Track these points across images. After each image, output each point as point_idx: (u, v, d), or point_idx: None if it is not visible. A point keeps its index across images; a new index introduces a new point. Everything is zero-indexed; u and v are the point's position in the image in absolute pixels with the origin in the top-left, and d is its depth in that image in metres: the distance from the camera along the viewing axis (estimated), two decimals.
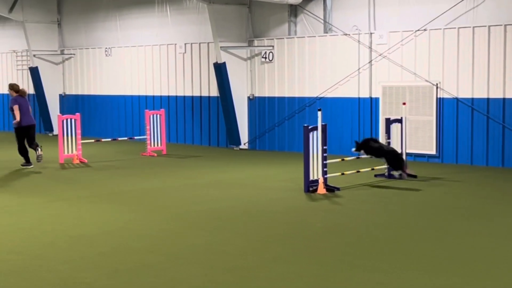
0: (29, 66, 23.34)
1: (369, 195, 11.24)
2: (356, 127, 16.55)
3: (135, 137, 18.71)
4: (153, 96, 20.81)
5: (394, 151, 12.52)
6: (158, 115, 17.54)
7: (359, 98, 16.50)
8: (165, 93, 20.51)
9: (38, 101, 23.31)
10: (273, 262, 7.20)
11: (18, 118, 14.64)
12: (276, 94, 18.01)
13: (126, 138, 18.76)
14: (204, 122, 19.57)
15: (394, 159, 12.44)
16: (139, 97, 21.16)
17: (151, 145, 17.21)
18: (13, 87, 14.98)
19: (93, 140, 17.60)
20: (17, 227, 9.01)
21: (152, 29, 20.74)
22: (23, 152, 14.97)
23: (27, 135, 14.89)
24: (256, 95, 18.44)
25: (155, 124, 17.40)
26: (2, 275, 6.79)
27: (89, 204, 10.68)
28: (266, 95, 18.23)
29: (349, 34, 16.46)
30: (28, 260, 7.38)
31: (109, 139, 16.53)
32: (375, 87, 16.25)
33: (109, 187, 12.41)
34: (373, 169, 12.99)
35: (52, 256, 7.52)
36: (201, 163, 15.62)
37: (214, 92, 19.14)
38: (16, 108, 14.61)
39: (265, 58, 18.07)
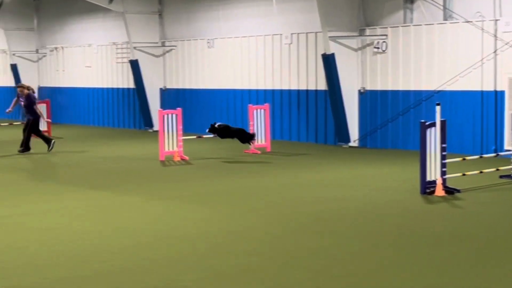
0: (129, 59, 24.01)
1: (493, 198, 10.89)
2: (479, 123, 16.09)
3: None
4: (257, 90, 20.96)
5: (242, 130, 16.79)
6: (262, 110, 17.65)
7: (482, 91, 16.03)
8: (269, 86, 20.62)
9: (138, 95, 23.95)
10: (386, 269, 7.09)
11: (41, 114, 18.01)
12: (390, 87, 17.75)
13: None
14: (310, 117, 19.54)
15: (244, 136, 16.53)
16: (242, 91, 21.37)
17: (254, 142, 17.33)
18: (23, 85, 18.24)
19: (194, 137, 17.88)
20: (116, 227, 9.27)
21: (256, 18, 20.88)
22: (28, 140, 17.76)
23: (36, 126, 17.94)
24: (368, 88, 18.24)
25: (259, 120, 17.51)
26: (102, 276, 7.01)
27: (189, 204, 10.86)
28: (379, 88, 18.00)
29: (471, 21, 16.00)
30: (128, 261, 7.58)
31: (211, 135, 16.78)
32: (500, 79, 15.73)
33: (210, 186, 12.58)
34: (498, 169, 12.59)
35: (152, 257, 7.69)
36: (307, 162, 15.59)
37: (322, 85, 19.07)
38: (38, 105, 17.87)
39: (378, 48, 17.84)
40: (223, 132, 16.39)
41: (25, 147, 17.65)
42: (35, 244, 8.32)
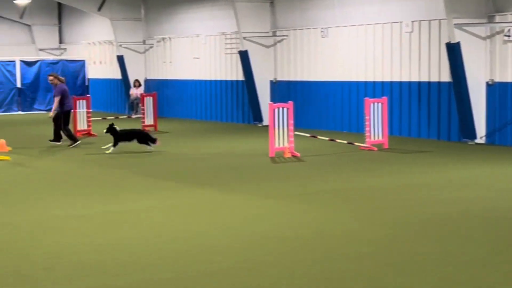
0: (238, 49, 24.24)
1: None
2: None
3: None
4: (374, 82, 20.72)
5: (141, 131, 17.96)
6: (380, 104, 17.43)
7: None
8: (387, 78, 20.35)
9: (247, 88, 24.14)
10: None
11: (55, 108, 18.60)
12: None
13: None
14: (432, 112, 19.15)
15: (144, 136, 17.35)
16: (357, 83, 21.19)
17: (370, 138, 17.15)
18: (55, 76, 18.96)
19: (308, 135, 17.83)
20: (222, 226, 9.36)
21: (374, 5, 20.64)
22: (70, 131, 18.76)
23: (67, 118, 18.70)
24: (497, 80, 17.70)
25: (376, 114, 17.30)
26: (206, 277, 7.08)
27: (301, 203, 10.85)
28: (509, 80, 17.45)
29: None
30: (235, 261, 7.63)
31: (326, 139, 16.70)
32: None
33: (323, 184, 12.53)
34: None
35: (260, 259, 7.71)
36: (428, 160, 15.30)
37: (446, 76, 18.65)
38: (58, 99, 18.50)
39: (509, 36, 17.28)
40: (122, 135, 17.24)
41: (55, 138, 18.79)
42: (140, 242, 8.50)
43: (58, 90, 18.66)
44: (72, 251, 8.10)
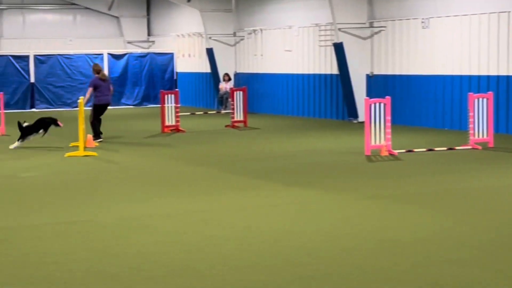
0: (333, 41, 24.13)
1: None
2: None
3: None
4: (479, 76, 20.29)
5: (42, 118, 18.33)
6: (485, 99, 17.05)
7: None
8: (493, 72, 19.90)
9: (342, 82, 24.01)
10: None
11: (86, 98, 19.01)
12: None
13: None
14: None
15: (45, 123, 18.06)
16: (461, 77, 20.79)
17: (474, 136, 16.80)
18: (94, 68, 19.85)
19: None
20: (318, 228, 9.32)
21: None
22: (96, 127, 19.19)
23: (101, 112, 19.29)
24: None
25: (480, 110, 16.94)
26: (302, 281, 7.07)
27: (398, 204, 10.72)
28: None
29: None
30: (330, 265, 7.59)
31: (424, 149, 16.40)
32: None
33: (421, 185, 12.35)
34: None
35: (356, 263, 7.65)
36: None
37: None
38: (90, 90, 19.29)
39: None
40: (31, 128, 17.87)
41: (95, 134, 19.15)
42: (231, 242, 8.55)
43: (90, 82, 19.85)
44: (161, 251, 8.21)
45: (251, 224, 9.57)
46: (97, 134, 19.15)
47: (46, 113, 22.78)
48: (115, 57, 32.70)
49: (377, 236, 8.78)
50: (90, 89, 19.36)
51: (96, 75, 19.50)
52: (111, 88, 19.93)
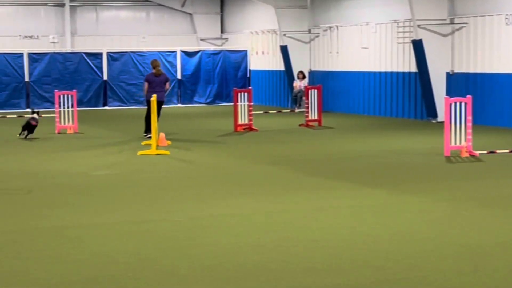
0: (411, 38, 23.87)
1: None
2: None
3: None
4: None
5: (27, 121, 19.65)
6: None
7: None
8: None
9: (421, 80, 23.74)
10: None
11: (144, 93, 19.90)
12: None
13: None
14: None
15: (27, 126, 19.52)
16: None
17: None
18: (151, 63, 20.37)
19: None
20: (395, 231, 9.23)
21: None
22: (148, 122, 19.16)
23: (155, 108, 18.23)
24: None
25: None
26: (377, 285, 7.00)
27: (479, 208, 10.54)
28: None
29: None
30: (405, 269, 7.51)
31: (507, 151, 16.10)
32: None
33: (503, 188, 12.14)
34: None
35: (438, 267, 7.55)
36: None
37: None
38: (146, 85, 19.72)
39: None
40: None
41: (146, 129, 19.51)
42: (304, 244, 8.53)
43: (145, 77, 20.56)
44: (233, 251, 8.24)
45: (326, 225, 9.53)
46: (147, 130, 19.40)
47: (119, 111, 23.07)
48: (188, 54, 32.99)
49: (457, 240, 8.65)
50: (145, 84, 19.81)
51: (153, 70, 19.99)
52: (167, 85, 20.19)
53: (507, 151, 16.02)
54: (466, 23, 22.85)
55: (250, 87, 26.06)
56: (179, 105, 32.15)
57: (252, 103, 22.12)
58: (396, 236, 8.94)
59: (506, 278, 7.13)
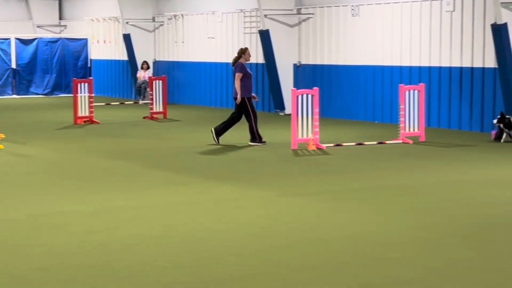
0: (258, 28, 24.21)
1: None
2: None
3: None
4: (410, 67, 20.66)
5: None
6: (416, 91, 17.38)
7: None
8: (425, 63, 20.28)
9: (268, 72, 24.13)
10: None
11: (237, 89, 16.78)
12: None
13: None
14: (475, 100, 19.07)
15: None
16: (392, 68, 21.13)
17: (405, 130, 17.11)
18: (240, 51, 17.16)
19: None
20: (244, 225, 9.39)
21: None
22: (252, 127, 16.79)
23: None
24: None
25: (411, 103, 17.25)
26: (224, 282, 7.11)
27: (327, 201, 10.86)
28: None
29: None
30: (256, 265, 7.66)
31: (353, 144, 16.67)
32: None
33: (351, 181, 12.54)
34: None
35: (285, 262, 7.73)
36: (471, 155, 15.26)
37: (491, 62, 18.56)
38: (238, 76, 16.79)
39: None
40: None
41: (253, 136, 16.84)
42: (151, 241, 8.55)
43: (238, 67, 16.79)
44: (73, 251, 8.15)
45: (171, 222, 9.57)
46: (254, 135, 16.77)
47: None
48: (24, 42, 32.17)
49: (305, 234, 8.89)
50: (238, 76, 16.72)
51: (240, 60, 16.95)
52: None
53: (353, 143, 16.56)
54: (313, 13, 23.40)
55: (90, 78, 25.73)
56: (15, 96, 31.32)
57: (93, 94, 21.84)
58: (244, 231, 9.09)
59: (352, 272, 7.40)
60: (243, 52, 16.90)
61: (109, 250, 8.21)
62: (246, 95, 16.68)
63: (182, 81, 28.61)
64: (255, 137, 16.75)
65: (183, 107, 26.72)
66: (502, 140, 16.72)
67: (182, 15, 28.37)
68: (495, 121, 16.88)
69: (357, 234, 8.92)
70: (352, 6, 22.14)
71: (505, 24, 17.29)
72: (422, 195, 11.27)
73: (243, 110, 16.73)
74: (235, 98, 16.73)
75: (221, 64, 26.75)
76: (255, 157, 15.11)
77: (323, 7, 23.11)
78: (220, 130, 16.93)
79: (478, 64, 18.99)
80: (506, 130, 16.73)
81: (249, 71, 17.06)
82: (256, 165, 14.26)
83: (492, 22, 17.63)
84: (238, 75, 16.63)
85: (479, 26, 18.84)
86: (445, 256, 7.93)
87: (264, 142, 16.72)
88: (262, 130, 16.94)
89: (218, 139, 16.80)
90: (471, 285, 6.97)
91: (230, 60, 26.08)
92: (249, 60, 17.15)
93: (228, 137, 17.00)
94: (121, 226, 9.34)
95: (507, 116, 16.77)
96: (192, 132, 19.40)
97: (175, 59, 29.06)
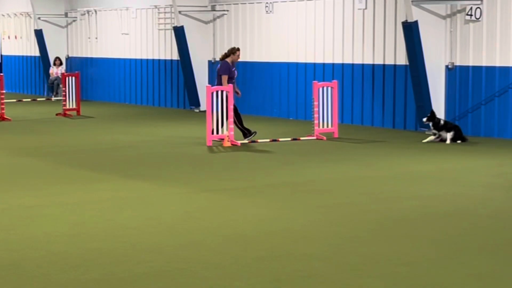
0: (173, 25, 24.17)
1: None
2: None
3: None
4: (324, 64, 20.90)
5: None
6: (329, 88, 17.60)
7: None
8: (338, 60, 20.54)
9: (183, 68, 24.09)
10: (474, 279, 7.05)
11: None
12: (484, 62, 17.52)
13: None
14: (387, 97, 19.41)
15: None
16: (306, 64, 21.34)
17: (319, 126, 17.32)
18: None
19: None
20: (157, 222, 9.39)
21: None
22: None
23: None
24: (457, 63, 18.03)
25: (325, 99, 17.47)
26: (136, 278, 7.12)
27: (242, 198, 10.93)
28: (470, 64, 17.78)
29: None
30: (168, 262, 7.67)
31: (268, 140, 16.81)
32: None
33: (265, 177, 12.63)
34: None
35: (197, 258, 7.77)
36: (383, 151, 15.52)
37: (402, 59, 18.92)
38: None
39: (471, 15, 17.61)
40: None
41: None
42: (63, 239, 8.48)
43: (223, 68, 16.66)
44: None
45: (85, 219, 9.50)
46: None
47: None
48: None
49: (218, 231, 8.94)
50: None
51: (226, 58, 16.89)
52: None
53: (268, 140, 16.68)
54: (227, 10, 23.46)
55: (1, 74, 25.23)
56: None
57: (4, 91, 21.48)
58: (159, 228, 9.09)
59: (266, 268, 7.48)
60: (233, 52, 16.74)
61: (16, 248, 8.11)
62: None
63: (95, 77, 28.36)
64: (245, 133, 16.80)
65: (97, 104, 26.49)
66: (425, 141, 16.55)
67: (95, 11, 28.11)
68: (424, 119, 16.62)
69: (271, 229, 9.01)
70: (266, 3, 22.27)
71: (416, 22, 17.64)
72: (334, 190, 11.43)
73: None
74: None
75: (136, 60, 26.61)
76: (170, 154, 15.10)
77: (237, 4, 23.19)
78: (242, 130, 16.81)
79: (390, 61, 19.32)
80: (435, 131, 16.53)
81: (235, 70, 16.87)
82: (171, 162, 14.25)
83: (403, 20, 17.95)
84: (224, 78, 16.47)
85: (390, 24, 19.18)
86: (357, 250, 8.08)
87: (255, 132, 16.80)
88: (176, 127, 16.94)
89: (250, 133, 16.78)
90: (382, 278, 7.13)
91: (144, 56, 26.17)
92: (236, 61, 16.92)
93: (149, 133, 16.91)
94: (31, 223, 9.23)
95: (438, 118, 16.62)
96: (106, 129, 19.27)
97: (89, 55, 28.77)
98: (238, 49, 16.87)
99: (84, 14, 28.57)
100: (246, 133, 16.83)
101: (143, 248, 8.16)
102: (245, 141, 16.53)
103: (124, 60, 27.14)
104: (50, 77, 28.56)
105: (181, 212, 9.98)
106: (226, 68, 16.55)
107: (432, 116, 16.60)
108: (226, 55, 16.76)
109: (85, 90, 27.18)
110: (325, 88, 17.56)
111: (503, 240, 8.49)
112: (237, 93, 17.02)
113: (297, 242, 8.41)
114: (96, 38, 28.23)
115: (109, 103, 27.07)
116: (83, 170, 13.16)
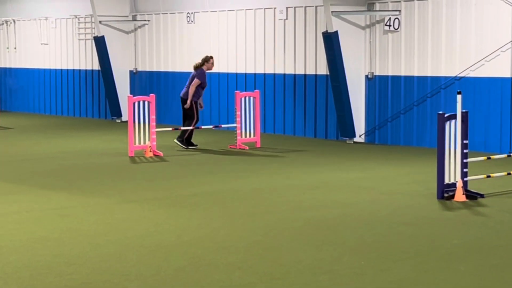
0: (93, 35, 23.99)
1: None
2: (508, 115, 16.16)
3: (222, 125, 18.94)
4: (245, 74, 20.99)
5: None
6: (251, 98, 17.68)
7: None
8: (260, 70, 20.65)
9: (104, 78, 23.93)
10: (396, 286, 7.15)
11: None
12: (403, 72, 17.82)
13: (211, 127, 19.04)
14: (309, 107, 19.58)
15: None
16: (228, 74, 21.40)
17: (241, 136, 17.37)
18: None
19: (170, 129, 17.91)
20: (77, 234, 9.29)
21: None
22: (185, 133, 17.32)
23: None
24: (377, 73, 18.30)
25: (247, 109, 17.54)
26: None
27: (164, 208, 10.90)
28: (389, 73, 18.07)
29: None
30: (90, 274, 7.60)
31: (193, 146, 16.89)
32: None
33: (188, 187, 12.62)
34: None
35: (119, 270, 7.72)
36: (304, 160, 15.65)
37: (323, 69, 19.12)
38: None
39: (389, 26, 17.90)
40: None
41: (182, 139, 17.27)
42: None
43: (198, 74, 17.16)
44: None
45: (3, 232, 9.34)
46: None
47: None
48: None
49: (140, 242, 8.89)
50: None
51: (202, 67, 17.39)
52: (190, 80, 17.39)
53: (190, 149, 16.65)
54: (149, 20, 23.40)
55: None
56: None
57: None
58: (78, 239, 8.99)
59: (188, 278, 7.47)
60: (207, 60, 17.22)
61: None
62: (195, 99, 17.05)
63: (14, 88, 27.94)
64: (183, 138, 17.16)
65: (16, 115, 26.11)
66: None
67: (14, 21, 27.73)
68: None
69: (193, 239, 9.01)
70: (188, 13, 22.28)
71: (336, 32, 17.84)
72: (254, 199, 11.48)
73: (189, 112, 17.00)
74: (185, 100, 17.01)
75: (56, 70, 26.31)
76: (92, 165, 14.96)
77: (159, 14, 23.15)
78: (185, 138, 17.19)
79: (311, 71, 19.51)
80: None
81: (206, 81, 17.41)
82: (93, 173, 14.12)
83: (324, 30, 18.15)
84: (196, 82, 16.94)
85: (311, 34, 19.37)
86: (279, 259, 8.12)
87: (193, 147, 17.19)
88: (98, 138, 16.78)
89: (189, 145, 17.22)
90: (304, 287, 7.18)
91: (64, 66, 25.91)
92: (211, 69, 17.53)
93: (70, 144, 16.71)
94: None
95: None
96: (26, 140, 19.00)
97: (7, 66, 28.35)
98: (211, 57, 17.37)
99: (3, 24, 28.17)
100: (184, 140, 17.22)
101: (64, 260, 8.06)
102: (177, 141, 17.14)
103: (44, 70, 26.81)
104: None
105: (102, 223, 9.89)
106: (203, 75, 17.13)
107: None
108: (200, 64, 17.19)
109: (3, 100, 26.77)
110: (247, 98, 17.63)
111: (422, 247, 8.64)
112: (200, 105, 17.29)
113: (218, 252, 8.42)
114: (15, 48, 27.83)
115: (29, 114, 26.70)
116: (1, 182, 12.94)
